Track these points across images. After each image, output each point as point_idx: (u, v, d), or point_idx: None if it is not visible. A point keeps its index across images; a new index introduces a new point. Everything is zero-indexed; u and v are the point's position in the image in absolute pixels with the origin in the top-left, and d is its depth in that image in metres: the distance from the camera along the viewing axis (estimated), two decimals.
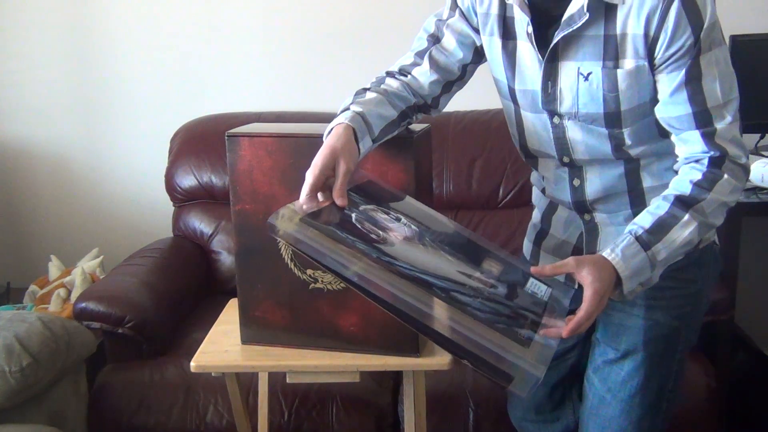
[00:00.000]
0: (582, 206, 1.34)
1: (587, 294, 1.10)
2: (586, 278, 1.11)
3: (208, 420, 1.96)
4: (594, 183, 1.30)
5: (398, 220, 1.19)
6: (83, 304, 2.03)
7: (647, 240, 1.14)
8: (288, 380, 1.46)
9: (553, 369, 1.49)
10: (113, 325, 2.01)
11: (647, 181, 1.28)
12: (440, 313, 1.02)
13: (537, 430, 1.58)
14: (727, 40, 2.22)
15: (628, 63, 1.16)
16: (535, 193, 1.50)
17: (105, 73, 2.70)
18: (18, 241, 2.84)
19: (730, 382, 2.14)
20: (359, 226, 1.14)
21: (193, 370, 1.47)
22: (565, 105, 1.22)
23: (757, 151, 2.40)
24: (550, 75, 1.21)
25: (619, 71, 1.16)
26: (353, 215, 1.16)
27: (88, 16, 2.66)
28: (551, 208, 1.43)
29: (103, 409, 2.00)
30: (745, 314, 2.40)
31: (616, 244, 1.14)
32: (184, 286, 2.33)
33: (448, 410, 1.94)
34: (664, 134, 1.23)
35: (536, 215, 1.49)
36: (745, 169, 1.19)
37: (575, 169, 1.31)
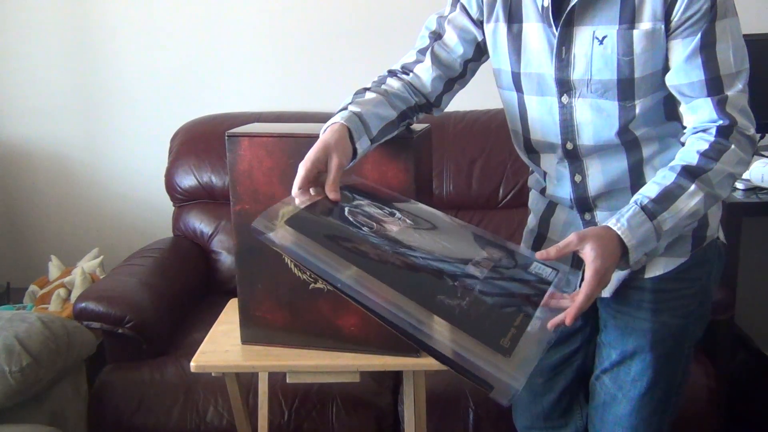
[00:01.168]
0: (584, 203, 1.33)
1: (588, 274, 1.08)
2: (588, 255, 1.09)
3: (208, 420, 1.96)
4: (597, 178, 1.30)
5: (392, 215, 1.19)
6: (83, 304, 2.03)
7: (653, 209, 1.13)
8: (288, 380, 1.46)
9: (560, 374, 1.49)
10: (113, 325, 2.01)
11: (650, 177, 1.28)
12: (428, 325, 1.00)
13: None
14: None
15: (644, 25, 1.16)
16: (533, 196, 1.49)
17: (105, 73, 2.70)
18: (18, 241, 2.84)
19: (730, 382, 2.14)
20: (351, 219, 1.13)
21: (192, 370, 1.47)
22: (578, 71, 1.22)
23: (757, 151, 2.40)
24: (565, 40, 1.21)
25: (635, 32, 1.16)
26: (346, 208, 1.15)
27: (88, 16, 2.66)
28: (549, 210, 1.42)
29: (103, 409, 2.00)
30: (745, 314, 2.40)
31: (622, 214, 1.13)
32: (184, 286, 2.33)
33: (448, 410, 1.94)
34: (670, 116, 1.23)
35: (532, 220, 1.47)
36: (752, 141, 1.18)
37: (576, 163, 1.30)
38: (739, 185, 2.18)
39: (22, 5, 2.65)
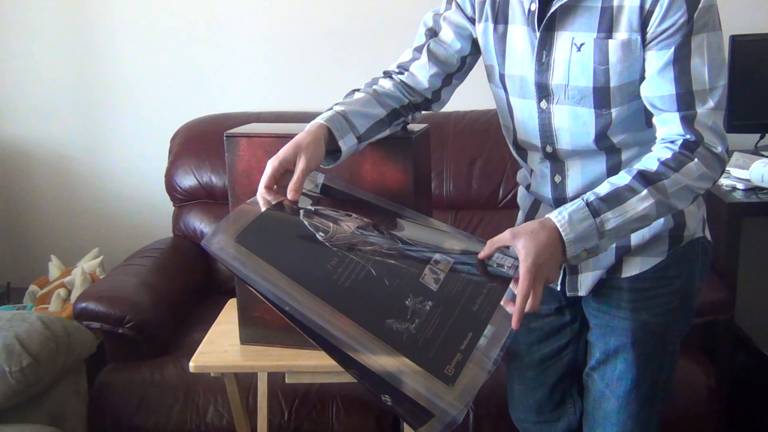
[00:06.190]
0: (562, 204, 1.33)
1: (521, 271, 1.09)
2: (520, 252, 1.10)
3: (208, 420, 1.96)
4: (575, 180, 1.31)
5: (349, 215, 1.20)
6: (83, 304, 2.03)
7: (597, 207, 1.13)
8: (287, 380, 1.46)
9: (550, 368, 1.50)
10: (113, 325, 2.01)
11: None
12: (368, 348, 1.01)
13: (539, 431, 1.57)
14: (727, 40, 2.23)
15: (621, 35, 1.16)
16: (521, 192, 1.50)
17: (105, 73, 2.70)
18: (18, 241, 2.84)
19: (730, 382, 2.14)
20: (307, 222, 1.15)
21: (192, 370, 1.47)
22: (556, 76, 1.22)
23: (757, 151, 2.40)
24: (546, 44, 1.21)
25: (610, 42, 1.16)
26: (302, 211, 1.17)
27: (89, 16, 2.66)
28: (534, 208, 1.43)
29: (103, 409, 2.00)
30: (745, 314, 2.40)
31: (566, 207, 1.13)
32: (184, 286, 2.33)
33: None
34: (651, 123, 1.23)
35: (520, 217, 1.49)
36: (719, 159, 1.17)
37: (557, 164, 1.31)
38: (739, 185, 2.18)
39: (22, 5, 2.65)
